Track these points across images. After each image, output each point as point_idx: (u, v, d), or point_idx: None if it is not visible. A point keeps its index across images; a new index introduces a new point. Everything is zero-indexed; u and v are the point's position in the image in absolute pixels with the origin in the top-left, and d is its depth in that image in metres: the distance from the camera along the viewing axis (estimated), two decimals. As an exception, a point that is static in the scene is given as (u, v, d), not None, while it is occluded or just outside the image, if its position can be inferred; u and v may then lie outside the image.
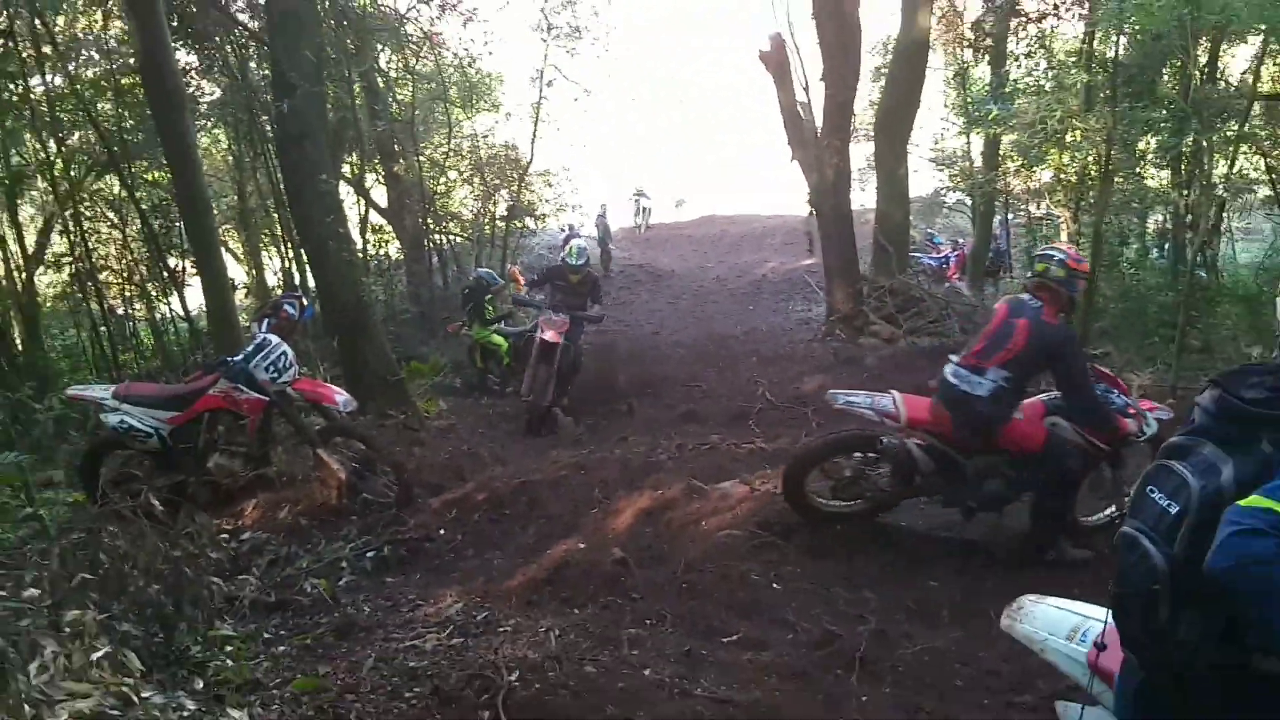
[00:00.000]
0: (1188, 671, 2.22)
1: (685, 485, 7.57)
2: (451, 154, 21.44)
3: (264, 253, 20.22)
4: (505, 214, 21.46)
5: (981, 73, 20.24)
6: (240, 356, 7.70)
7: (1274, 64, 14.61)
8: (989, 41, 19.26)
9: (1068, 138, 13.53)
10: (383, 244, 20.81)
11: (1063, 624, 2.97)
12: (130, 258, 16.15)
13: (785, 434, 9.67)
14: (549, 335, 11.99)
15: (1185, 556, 2.17)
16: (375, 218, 20.61)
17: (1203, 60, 12.77)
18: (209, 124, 18.39)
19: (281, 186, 14.27)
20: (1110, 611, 2.49)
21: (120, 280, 16.35)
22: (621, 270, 27.08)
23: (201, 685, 4.38)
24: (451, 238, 21.56)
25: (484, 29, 22.51)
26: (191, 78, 16.04)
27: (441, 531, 7.22)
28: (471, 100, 21.88)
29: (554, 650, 4.73)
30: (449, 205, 21.97)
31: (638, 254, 30.07)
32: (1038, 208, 17.75)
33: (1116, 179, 12.70)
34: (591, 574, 5.99)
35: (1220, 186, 13.71)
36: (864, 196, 18.80)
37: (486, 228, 22.22)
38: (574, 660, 4.64)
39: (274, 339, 7.89)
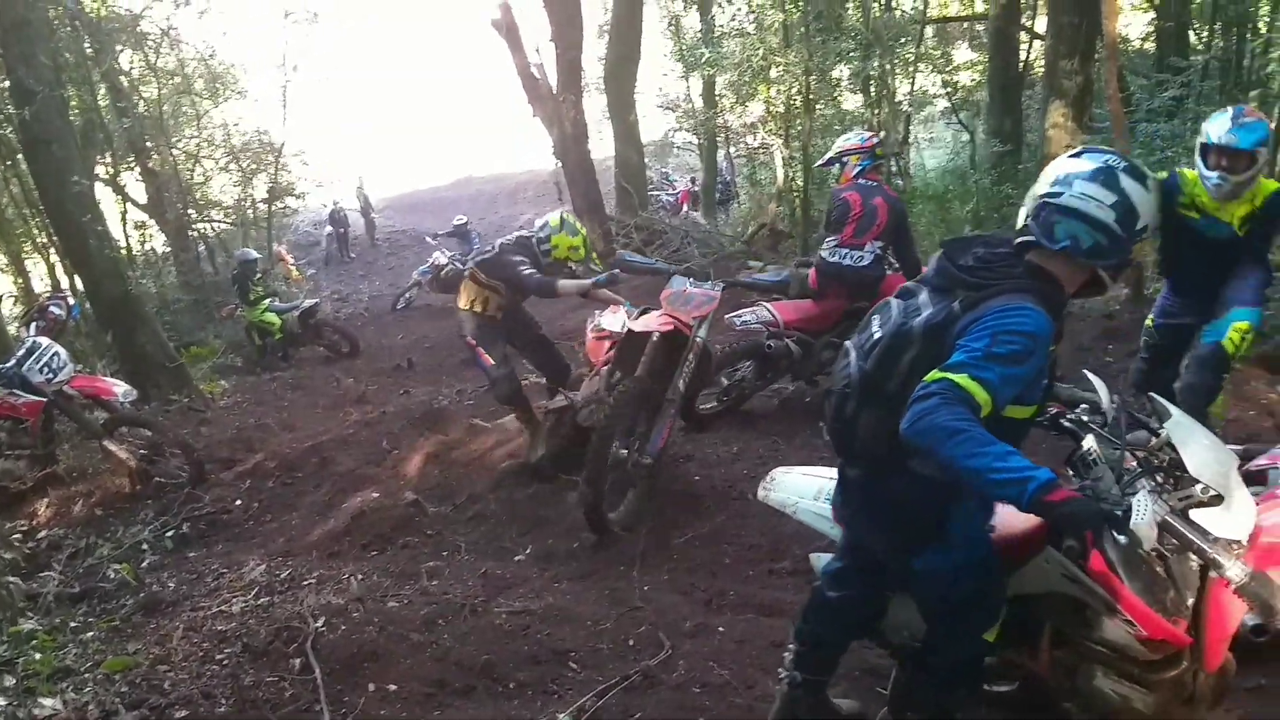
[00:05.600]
0: (865, 455, 2.69)
1: (467, 425, 7.58)
2: (205, 144, 20.38)
3: (27, 260, 18.79)
4: (265, 196, 20.50)
5: (692, 21, 20.44)
6: (12, 362, 7.22)
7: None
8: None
9: (772, 73, 13.94)
10: (147, 239, 19.60)
11: (809, 488, 3.21)
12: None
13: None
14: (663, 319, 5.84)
15: (872, 370, 2.61)
16: (137, 214, 19.34)
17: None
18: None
19: (35, 193, 13.26)
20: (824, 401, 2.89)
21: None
22: (386, 238, 26.52)
23: (12, 682, 4.13)
24: (215, 225, 20.55)
25: (222, 19, 21.18)
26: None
27: (238, 502, 6.98)
28: (218, 90, 20.75)
29: (357, 593, 4.67)
30: (208, 194, 20.83)
31: (398, 219, 29.32)
32: (754, 139, 18.21)
33: (818, 106, 13.20)
34: (387, 518, 5.95)
35: (905, 103, 14.49)
36: (603, 145, 18.89)
37: (249, 212, 21.25)
38: (377, 599, 4.61)
39: (44, 341, 7.43)
